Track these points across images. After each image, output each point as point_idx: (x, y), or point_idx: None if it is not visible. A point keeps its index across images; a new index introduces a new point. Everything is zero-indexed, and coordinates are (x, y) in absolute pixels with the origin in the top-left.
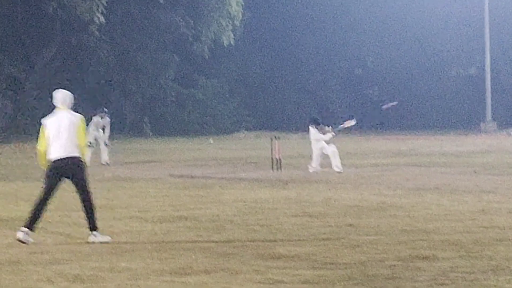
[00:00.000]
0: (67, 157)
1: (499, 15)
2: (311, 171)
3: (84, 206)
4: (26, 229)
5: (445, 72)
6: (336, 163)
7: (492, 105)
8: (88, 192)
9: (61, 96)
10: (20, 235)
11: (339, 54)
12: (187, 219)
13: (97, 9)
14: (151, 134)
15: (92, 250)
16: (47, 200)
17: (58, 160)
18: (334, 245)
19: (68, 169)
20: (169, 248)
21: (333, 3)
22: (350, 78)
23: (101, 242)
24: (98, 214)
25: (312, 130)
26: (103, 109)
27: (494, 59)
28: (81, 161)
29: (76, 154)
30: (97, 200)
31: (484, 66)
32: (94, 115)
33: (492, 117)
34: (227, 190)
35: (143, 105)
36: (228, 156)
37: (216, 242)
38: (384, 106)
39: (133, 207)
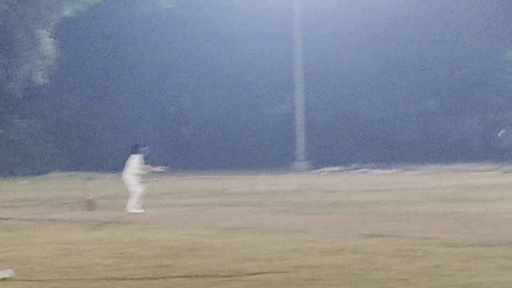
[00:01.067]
0: None
1: (310, 53)
2: (134, 211)
3: None
4: None
5: (257, 110)
6: (133, 204)
7: (306, 144)
8: None
9: None
10: None
11: (153, 91)
12: None
13: None
14: None
15: None
16: None
17: None
18: (148, 287)
19: None
20: None
21: (148, 42)
22: (164, 116)
23: None
24: None
25: (136, 159)
26: None
27: (305, 97)
28: None
29: None
30: None
31: (294, 104)
32: None
33: (306, 156)
34: (39, 231)
35: None
36: (40, 196)
37: (26, 284)
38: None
39: None
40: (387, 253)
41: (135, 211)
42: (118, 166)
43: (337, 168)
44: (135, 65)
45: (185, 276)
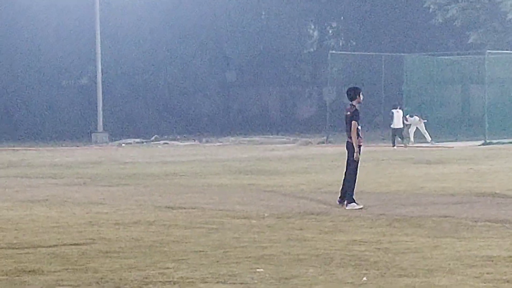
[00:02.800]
0: None
1: (110, 24)
2: None
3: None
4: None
5: (57, 82)
6: None
7: (103, 116)
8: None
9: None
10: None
11: None
12: None
13: None
14: None
15: None
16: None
17: None
18: None
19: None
20: None
21: None
22: None
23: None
24: None
25: None
26: None
27: (105, 69)
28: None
29: None
30: None
31: (95, 76)
32: None
33: (104, 128)
34: None
35: None
36: None
37: None
38: None
39: None
40: (183, 225)
41: None
42: None
43: (137, 140)
44: None
45: None
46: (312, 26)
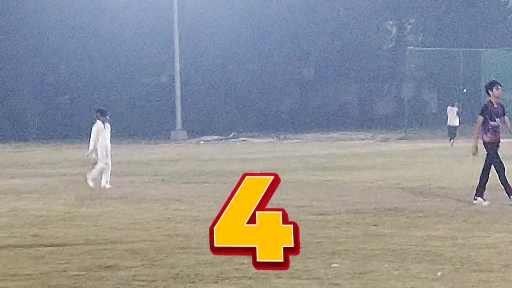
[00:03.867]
0: None
1: (188, 24)
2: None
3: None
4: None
5: (136, 80)
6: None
7: (182, 113)
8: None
9: None
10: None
11: (30, 61)
12: None
13: None
14: None
15: None
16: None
17: None
18: (18, 256)
19: None
20: None
21: (23, 10)
22: (42, 85)
23: None
24: None
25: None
26: None
27: (184, 67)
28: None
29: None
30: None
31: (174, 74)
32: None
33: (182, 125)
34: None
35: None
36: None
37: None
38: None
39: None
40: None
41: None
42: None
43: (215, 137)
44: (10, 34)
45: (57, 245)
46: (390, 22)
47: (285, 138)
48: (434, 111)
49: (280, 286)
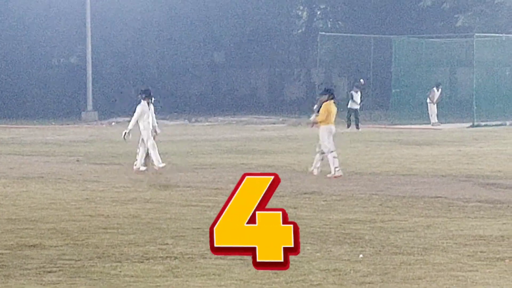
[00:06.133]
0: None
1: (100, 4)
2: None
3: None
4: None
5: (46, 61)
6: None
7: (93, 94)
8: None
9: None
10: None
11: None
12: None
13: None
14: None
15: None
16: None
17: None
18: None
19: None
20: None
21: None
22: None
23: None
24: None
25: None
26: None
27: (95, 49)
28: None
29: None
30: None
31: (85, 55)
32: None
33: (93, 106)
34: None
35: None
36: None
37: None
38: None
39: None
40: (178, 204)
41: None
42: None
43: (127, 118)
44: None
45: None
46: (301, 7)
47: (196, 121)
48: (344, 96)
49: (205, 266)
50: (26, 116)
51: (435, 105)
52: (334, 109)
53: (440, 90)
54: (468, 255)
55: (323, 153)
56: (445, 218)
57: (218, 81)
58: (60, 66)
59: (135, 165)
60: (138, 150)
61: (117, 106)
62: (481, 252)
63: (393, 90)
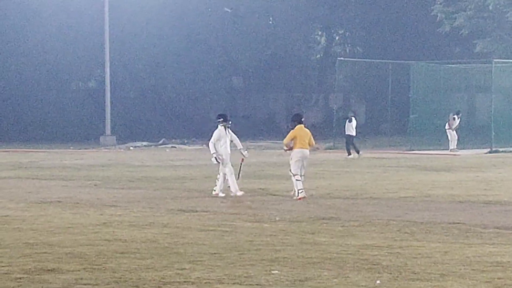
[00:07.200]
0: None
1: (119, 29)
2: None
3: None
4: None
5: (65, 85)
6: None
7: (111, 119)
8: None
9: None
10: None
11: None
12: None
13: None
14: None
15: None
16: None
17: None
18: None
19: None
20: None
21: None
22: None
23: None
24: None
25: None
26: None
27: (114, 73)
28: None
29: None
30: None
31: (104, 80)
32: None
33: (112, 131)
34: None
35: None
36: None
37: None
38: None
39: None
40: (196, 228)
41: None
42: None
43: (144, 143)
44: None
45: None
46: (319, 33)
47: None
48: (362, 122)
49: None
50: (44, 140)
51: (454, 131)
52: (304, 132)
53: (459, 117)
54: (486, 282)
55: (302, 175)
56: (463, 244)
57: (236, 106)
58: (78, 90)
59: (214, 190)
60: (218, 176)
61: (136, 131)
62: (498, 278)
63: (411, 116)
